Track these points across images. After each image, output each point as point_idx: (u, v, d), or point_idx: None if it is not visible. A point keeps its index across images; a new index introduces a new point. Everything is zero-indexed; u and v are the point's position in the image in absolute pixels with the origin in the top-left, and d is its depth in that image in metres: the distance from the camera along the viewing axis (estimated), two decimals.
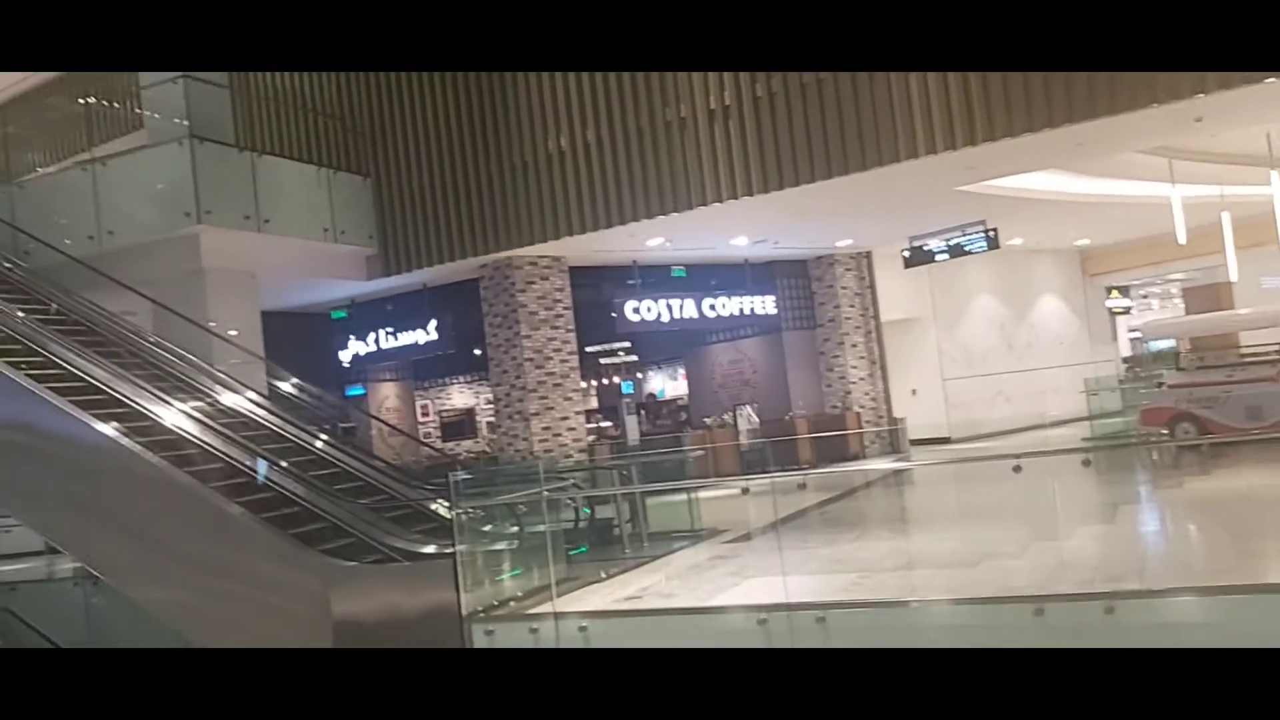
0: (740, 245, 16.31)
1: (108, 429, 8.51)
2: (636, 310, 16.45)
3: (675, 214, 12.63)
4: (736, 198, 12.12)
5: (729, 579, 8.11)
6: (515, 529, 8.00)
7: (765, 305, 18.15)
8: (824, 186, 11.78)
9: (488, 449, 18.96)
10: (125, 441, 8.46)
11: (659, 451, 14.39)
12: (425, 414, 21.31)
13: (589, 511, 9.48)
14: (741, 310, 17.89)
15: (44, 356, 9.65)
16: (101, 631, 10.65)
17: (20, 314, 10.14)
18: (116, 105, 14.74)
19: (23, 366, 9.14)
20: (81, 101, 14.48)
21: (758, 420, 17.20)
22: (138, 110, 13.80)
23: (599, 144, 12.93)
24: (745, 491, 8.46)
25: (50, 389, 8.86)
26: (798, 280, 18.50)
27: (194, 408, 9.69)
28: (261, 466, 8.87)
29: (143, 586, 8.71)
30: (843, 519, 11.64)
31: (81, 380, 9.46)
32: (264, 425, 10.06)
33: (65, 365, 9.65)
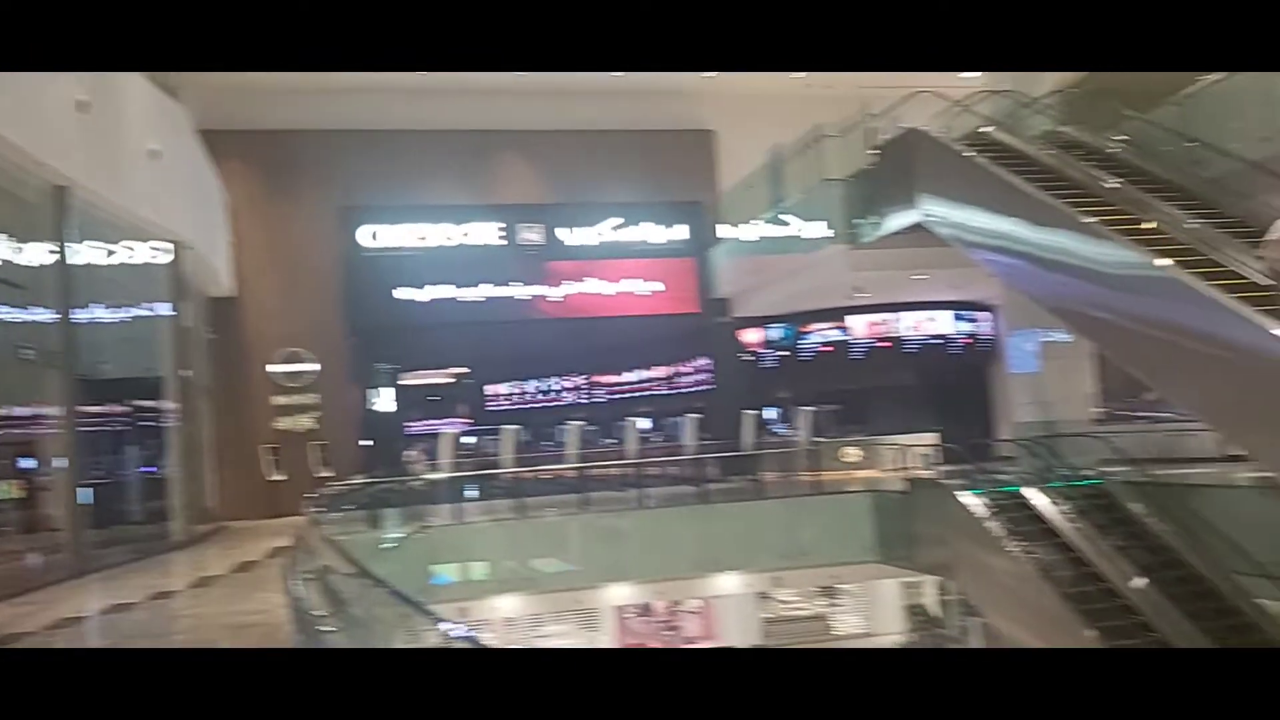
0: None
1: None
2: None
3: None
4: None
5: None
6: None
7: None
8: None
9: None
10: None
11: None
12: None
13: None
14: None
15: (1220, 265, 9.72)
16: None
17: (1196, 224, 10.37)
18: None
19: (1204, 276, 9.37)
20: None
21: None
22: None
23: None
24: None
25: (1233, 297, 8.91)
26: None
27: None
28: None
29: None
30: None
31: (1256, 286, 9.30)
32: None
33: (1240, 271, 9.59)
